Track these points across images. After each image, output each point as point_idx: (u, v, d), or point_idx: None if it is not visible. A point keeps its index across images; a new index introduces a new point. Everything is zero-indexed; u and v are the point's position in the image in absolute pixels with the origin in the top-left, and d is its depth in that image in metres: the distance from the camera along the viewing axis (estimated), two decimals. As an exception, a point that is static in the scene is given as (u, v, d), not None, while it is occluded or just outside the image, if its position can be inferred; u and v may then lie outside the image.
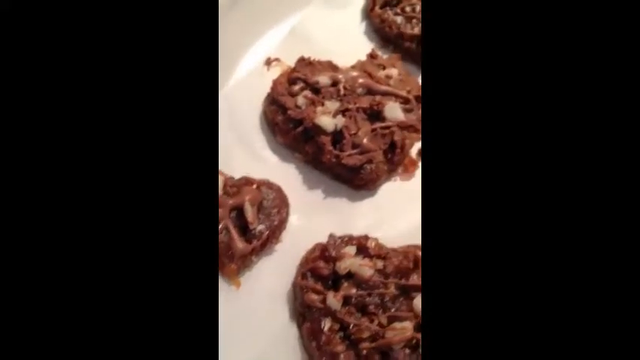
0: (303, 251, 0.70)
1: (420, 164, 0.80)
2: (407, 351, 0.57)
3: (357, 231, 0.72)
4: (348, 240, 0.66)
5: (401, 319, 0.59)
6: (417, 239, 0.72)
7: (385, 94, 0.79)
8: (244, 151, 0.80)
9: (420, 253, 0.66)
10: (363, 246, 0.66)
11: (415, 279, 0.64)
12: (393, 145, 0.76)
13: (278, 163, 0.80)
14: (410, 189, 0.79)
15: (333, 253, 0.63)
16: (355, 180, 0.75)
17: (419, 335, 0.58)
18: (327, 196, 0.77)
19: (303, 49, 0.93)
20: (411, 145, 0.79)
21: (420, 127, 0.80)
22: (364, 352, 0.57)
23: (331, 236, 0.66)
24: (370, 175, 0.74)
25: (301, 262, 0.67)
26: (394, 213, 0.76)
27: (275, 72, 0.90)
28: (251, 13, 0.94)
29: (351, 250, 0.64)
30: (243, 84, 0.87)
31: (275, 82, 0.81)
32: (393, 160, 0.76)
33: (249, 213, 0.68)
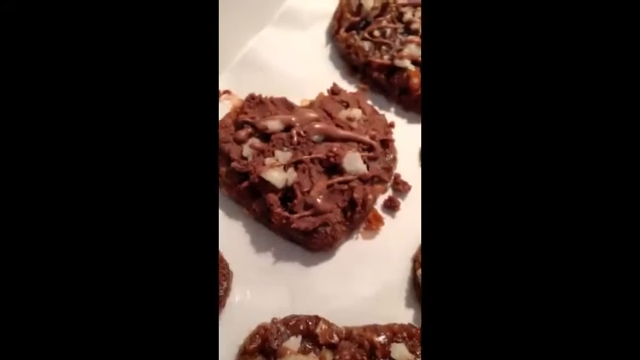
0: (247, 332, 0.60)
1: (384, 221, 0.70)
2: None
3: (313, 301, 0.63)
4: (294, 325, 0.57)
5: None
6: (382, 308, 0.65)
7: (346, 140, 0.69)
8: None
9: (377, 340, 0.57)
10: (310, 333, 0.57)
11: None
12: (352, 203, 0.66)
13: (222, 220, 0.70)
14: (374, 248, 0.70)
15: (275, 345, 0.54)
16: (309, 244, 0.66)
17: None
18: (278, 260, 0.67)
19: (258, 78, 0.82)
20: (375, 199, 0.70)
21: (386, 177, 0.71)
22: None
23: (273, 322, 0.57)
24: (325, 238, 0.64)
25: (240, 352, 0.58)
26: (355, 278, 0.67)
27: (225, 107, 0.80)
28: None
29: (294, 343, 0.55)
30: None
31: (220, 125, 0.71)
32: (353, 219, 0.67)
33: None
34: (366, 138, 0.70)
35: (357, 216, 0.67)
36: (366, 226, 0.70)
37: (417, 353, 0.58)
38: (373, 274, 0.68)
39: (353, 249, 0.69)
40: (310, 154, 0.67)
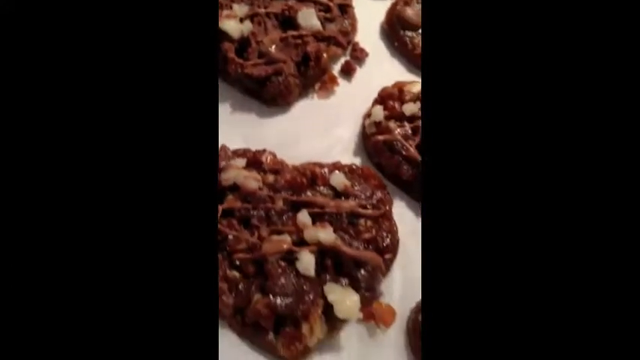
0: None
1: (339, 81, 0.74)
2: (282, 264, 0.53)
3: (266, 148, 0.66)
4: (242, 153, 0.61)
5: (281, 233, 0.55)
6: (332, 158, 0.68)
7: (302, -1, 0.72)
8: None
9: (319, 170, 0.61)
10: (257, 160, 0.61)
11: (309, 195, 0.59)
12: (306, 57, 0.69)
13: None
14: (329, 107, 0.73)
15: (221, 165, 0.59)
16: (263, 93, 0.69)
17: (297, 249, 0.54)
18: (235, 110, 0.71)
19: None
20: (330, 59, 0.73)
21: (342, 40, 0.73)
22: (238, 262, 0.54)
23: (222, 148, 0.61)
24: (278, 87, 0.67)
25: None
26: (308, 131, 0.70)
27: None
28: None
29: (239, 162, 0.59)
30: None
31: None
32: (307, 74, 0.70)
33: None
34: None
35: (311, 72, 0.70)
36: (321, 85, 0.73)
37: (356, 184, 0.62)
38: (325, 129, 0.71)
39: (308, 106, 0.73)
40: (267, 8, 0.69)
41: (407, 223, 0.65)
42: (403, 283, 0.61)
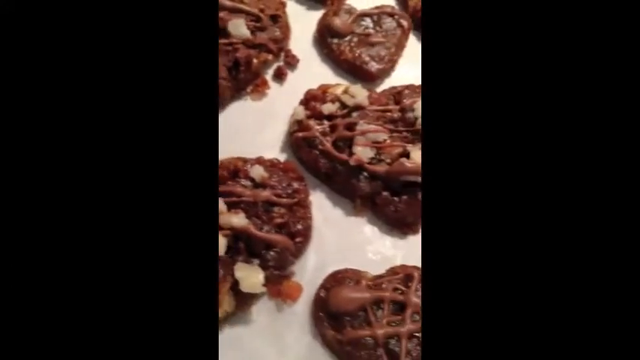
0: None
1: (270, 85, 0.80)
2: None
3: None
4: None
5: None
6: (262, 154, 0.73)
7: (233, 10, 0.78)
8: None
9: (241, 164, 0.67)
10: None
11: (229, 185, 0.66)
12: (237, 63, 0.76)
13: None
14: (260, 108, 0.80)
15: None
16: (197, 96, 0.76)
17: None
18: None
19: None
20: (261, 64, 0.80)
21: (272, 47, 0.80)
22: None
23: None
24: (210, 90, 0.74)
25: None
26: (241, 130, 0.76)
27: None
28: None
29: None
30: None
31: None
32: (238, 78, 0.76)
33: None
34: (255, 10, 0.79)
35: (242, 75, 0.77)
36: (254, 88, 0.80)
37: (275, 176, 0.68)
38: (257, 128, 0.78)
39: (240, 107, 0.79)
40: (200, 19, 0.76)
41: (324, 211, 0.72)
42: (315, 265, 0.67)
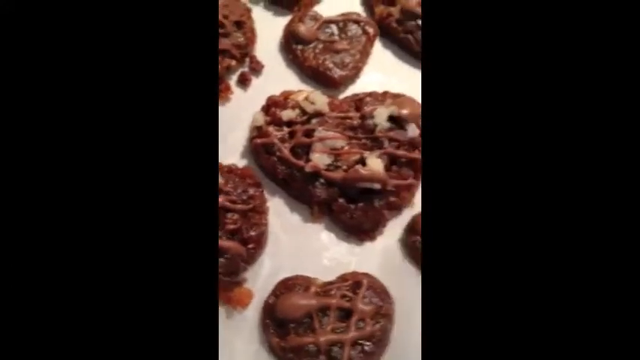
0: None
1: (233, 90, 0.81)
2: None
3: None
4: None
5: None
6: (224, 160, 0.74)
7: (197, 17, 0.79)
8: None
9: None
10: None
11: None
12: (198, 68, 0.76)
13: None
14: (223, 114, 0.80)
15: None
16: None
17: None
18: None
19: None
20: (227, 70, 0.80)
21: (235, 52, 0.81)
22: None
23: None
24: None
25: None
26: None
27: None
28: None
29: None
30: None
31: None
32: (200, 84, 0.77)
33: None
34: (219, 17, 0.80)
35: (204, 81, 0.77)
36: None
37: (230, 182, 0.68)
38: (219, 134, 0.78)
39: (204, 113, 0.80)
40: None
41: (282, 217, 0.72)
42: (270, 271, 0.67)
